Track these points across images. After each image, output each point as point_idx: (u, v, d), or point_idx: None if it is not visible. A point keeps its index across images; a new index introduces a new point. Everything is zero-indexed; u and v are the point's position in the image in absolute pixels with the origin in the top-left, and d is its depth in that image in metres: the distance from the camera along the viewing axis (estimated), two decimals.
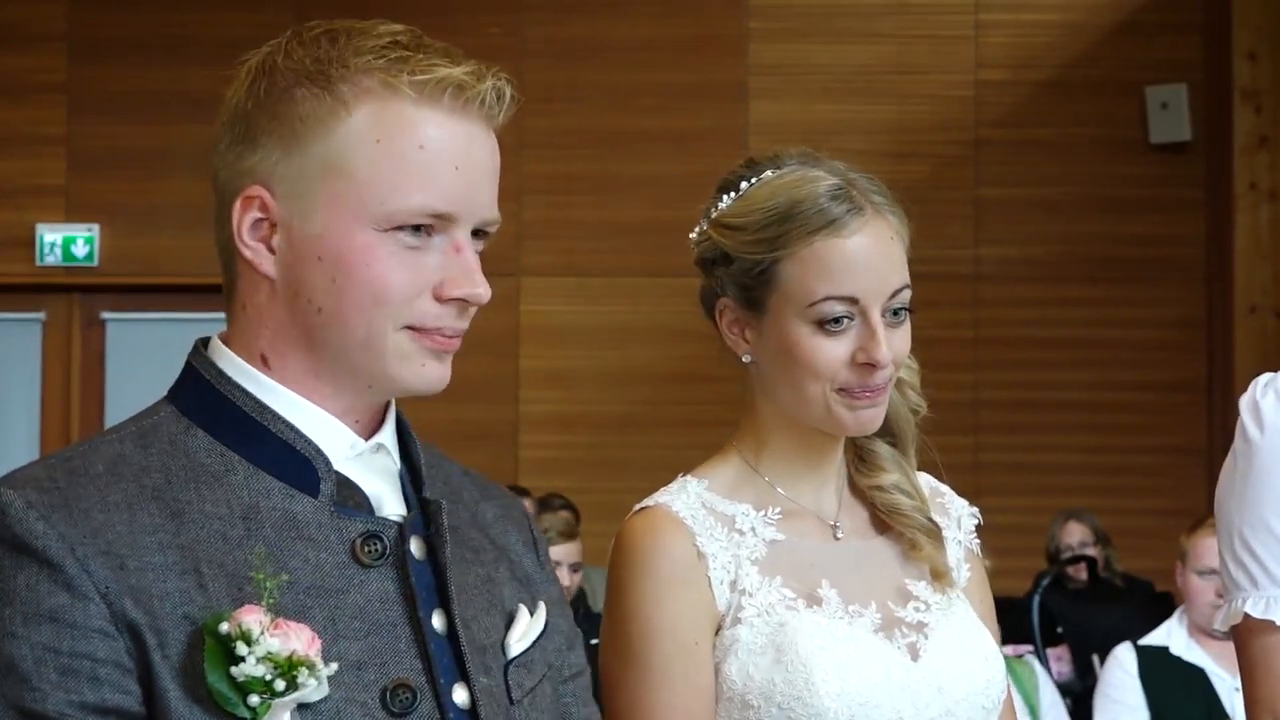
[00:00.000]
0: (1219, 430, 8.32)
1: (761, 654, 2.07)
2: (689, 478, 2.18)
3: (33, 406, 8.86)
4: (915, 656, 2.12)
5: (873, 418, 2.14)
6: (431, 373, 1.68)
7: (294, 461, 1.66)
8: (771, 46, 8.75)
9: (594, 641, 2.18)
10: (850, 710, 2.05)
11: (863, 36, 8.74)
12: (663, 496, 2.14)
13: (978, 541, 2.31)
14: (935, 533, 2.22)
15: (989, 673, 2.17)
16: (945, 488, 2.33)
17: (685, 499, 2.13)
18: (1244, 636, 2.25)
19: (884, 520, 2.22)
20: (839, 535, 2.19)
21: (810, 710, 2.04)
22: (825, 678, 2.05)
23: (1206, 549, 5.06)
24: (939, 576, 2.20)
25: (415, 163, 1.64)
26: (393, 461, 1.73)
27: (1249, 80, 8.22)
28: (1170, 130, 8.56)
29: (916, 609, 2.16)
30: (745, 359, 2.17)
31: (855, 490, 2.24)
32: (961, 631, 2.18)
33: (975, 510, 2.33)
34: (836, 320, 2.10)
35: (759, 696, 2.06)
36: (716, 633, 2.10)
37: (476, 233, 1.70)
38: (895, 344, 2.12)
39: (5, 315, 8.88)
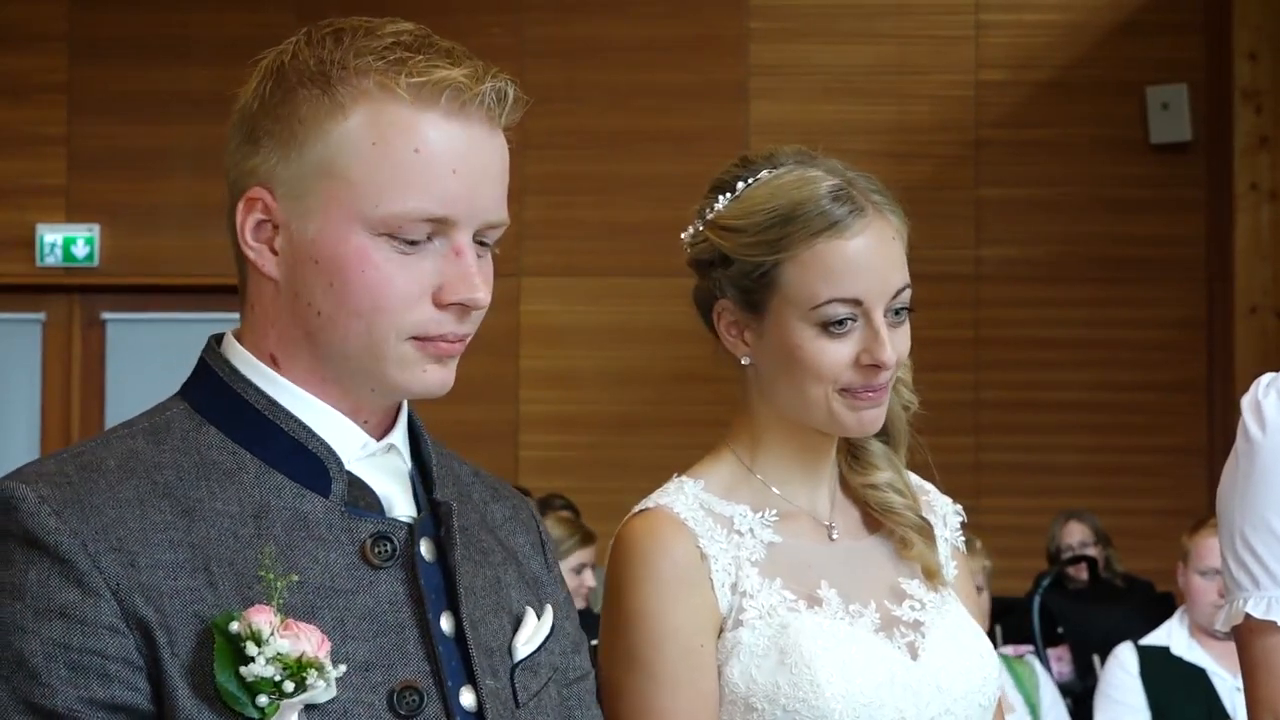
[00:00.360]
0: (1219, 430, 8.32)
1: (764, 656, 2.06)
2: (685, 478, 2.17)
3: (33, 407, 8.85)
4: (914, 655, 2.12)
5: (875, 418, 2.13)
6: (433, 377, 1.67)
7: (305, 460, 1.66)
8: (771, 46, 8.74)
9: (593, 643, 2.17)
10: (855, 711, 2.05)
11: (863, 36, 8.74)
12: (662, 498, 2.13)
13: (963, 538, 2.31)
14: (927, 531, 2.21)
15: (985, 670, 2.17)
16: (929, 485, 2.32)
17: (684, 500, 2.12)
18: (1245, 637, 2.25)
19: (874, 519, 2.22)
20: (834, 535, 2.18)
21: (815, 712, 2.04)
22: (830, 679, 2.05)
23: (1208, 549, 5.06)
24: (931, 575, 2.20)
25: (411, 166, 1.63)
26: (404, 462, 1.73)
27: (1249, 80, 8.22)
28: (1171, 130, 8.56)
29: (912, 607, 2.16)
30: (744, 361, 2.16)
31: (847, 489, 2.23)
32: (956, 629, 2.18)
33: (959, 508, 2.32)
34: (840, 322, 2.09)
35: (763, 699, 2.05)
36: (718, 635, 2.09)
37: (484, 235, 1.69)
38: (897, 344, 2.11)
39: (5, 315, 8.87)
